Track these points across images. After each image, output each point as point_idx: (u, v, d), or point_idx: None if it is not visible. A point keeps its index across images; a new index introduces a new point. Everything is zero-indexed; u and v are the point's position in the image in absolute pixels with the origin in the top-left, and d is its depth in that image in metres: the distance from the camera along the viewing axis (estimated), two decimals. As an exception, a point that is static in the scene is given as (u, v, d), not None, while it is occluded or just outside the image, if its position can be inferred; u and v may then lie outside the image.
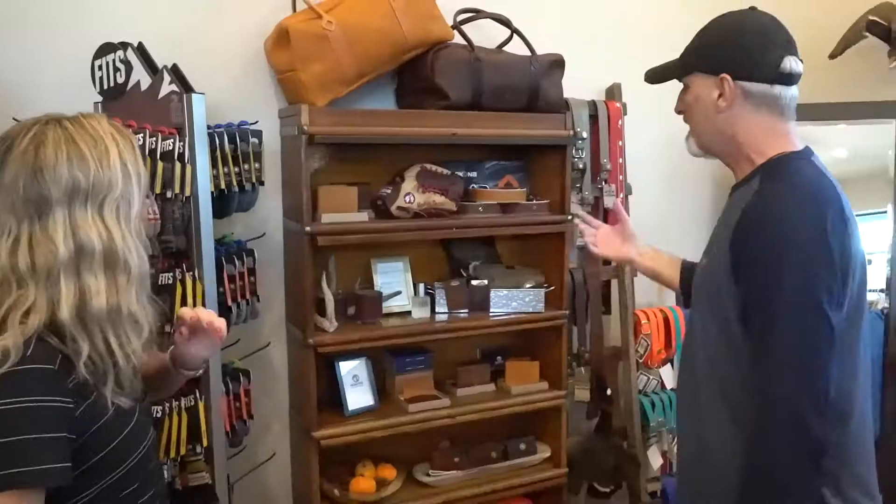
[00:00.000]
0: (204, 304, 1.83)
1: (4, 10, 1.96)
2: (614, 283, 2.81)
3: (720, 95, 1.37)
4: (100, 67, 1.95)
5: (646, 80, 1.56)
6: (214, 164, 1.91)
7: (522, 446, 2.49)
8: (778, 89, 1.36)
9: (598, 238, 1.89)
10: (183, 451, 1.81)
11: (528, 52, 2.38)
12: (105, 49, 1.94)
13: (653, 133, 2.79)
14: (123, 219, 1.12)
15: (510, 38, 2.44)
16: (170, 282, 1.78)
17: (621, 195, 2.75)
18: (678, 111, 1.51)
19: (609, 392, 2.67)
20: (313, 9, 2.09)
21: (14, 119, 1.81)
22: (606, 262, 2.79)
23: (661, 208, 2.89)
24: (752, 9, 1.44)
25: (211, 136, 1.89)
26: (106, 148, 1.11)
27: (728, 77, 1.36)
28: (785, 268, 1.23)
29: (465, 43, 2.28)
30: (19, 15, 1.98)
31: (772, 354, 1.25)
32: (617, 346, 2.79)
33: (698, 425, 1.42)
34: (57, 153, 1.07)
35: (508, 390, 2.46)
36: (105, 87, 1.95)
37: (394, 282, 2.42)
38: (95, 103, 2.00)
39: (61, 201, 1.06)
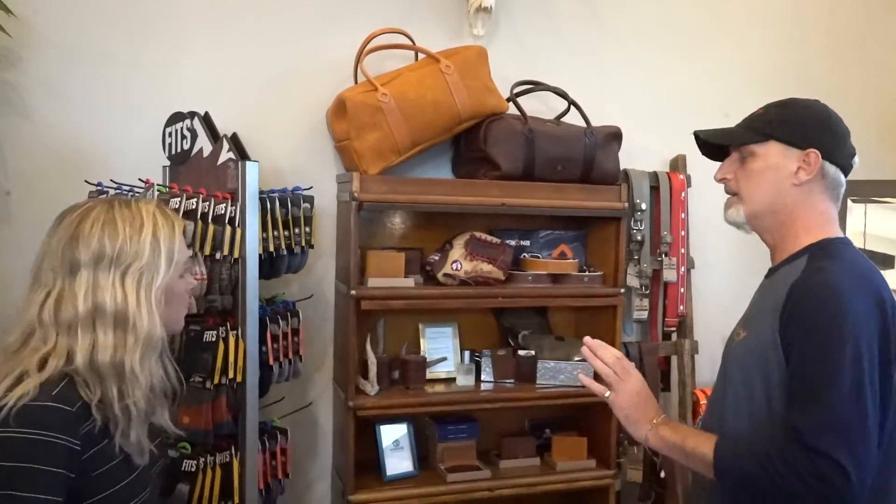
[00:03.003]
0: (245, 362, 1.89)
1: (89, 80, 2.15)
2: (674, 360, 2.71)
3: (799, 169, 1.41)
4: (170, 134, 2.10)
5: (700, 136, 1.56)
6: (265, 228, 1.99)
7: (567, 525, 2.41)
8: (842, 178, 1.45)
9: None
10: (215, 506, 1.86)
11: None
12: (175, 118, 2.08)
13: (719, 206, 2.68)
14: (144, 287, 1.26)
15: (568, 109, 2.45)
16: (213, 339, 1.85)
17: (682, 268, 2.68)
18: (723, 178, 1.54)
19: (663, 474, 2.55)
20: (371, 81, 2.18)
21: (86, 182, 1.96)
22: (665, 336, 2.71)
23: (725, 283, 2.78)
24: (817, 101, 1.49)
25: (263, 201, 1.98)
26: (141, 224, 1.27)
27: (816, 153, 1.40)
28: (840, 340, 1.24)
29: (519, 114, 2.32)
30: (103, 84, 2.16)
31: (819, 420, 1.23)
32: (674, 425, 2.66)
33: None
34: (94, 225, 1.25)
35: (554, 465, 2.39)
36: (173, 152, 2.09)
37: (442, 347, 2.43)
38: (164, 167, 2.14)
39: (88, 264, 1.23)
